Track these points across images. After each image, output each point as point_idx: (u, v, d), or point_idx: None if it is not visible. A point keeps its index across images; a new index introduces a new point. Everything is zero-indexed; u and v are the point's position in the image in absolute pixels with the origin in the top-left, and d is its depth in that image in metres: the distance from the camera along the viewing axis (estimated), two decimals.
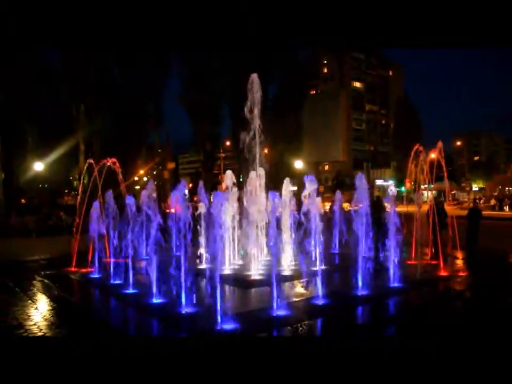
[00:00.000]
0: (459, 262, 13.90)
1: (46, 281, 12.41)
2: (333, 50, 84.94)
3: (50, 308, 9.62)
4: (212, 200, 8.67)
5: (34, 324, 8.16)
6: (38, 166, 35.77)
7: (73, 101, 40.47)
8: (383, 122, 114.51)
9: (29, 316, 8.75)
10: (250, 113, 13.95)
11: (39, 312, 9.09)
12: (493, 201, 53.71)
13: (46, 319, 8.57)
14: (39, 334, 7.59)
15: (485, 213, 20.69)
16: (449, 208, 15.85)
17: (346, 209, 17.30)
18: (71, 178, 48.61)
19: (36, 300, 10.23)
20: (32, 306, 9.55)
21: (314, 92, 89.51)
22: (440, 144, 13.55)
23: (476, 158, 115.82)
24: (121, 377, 5.88)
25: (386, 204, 12.81)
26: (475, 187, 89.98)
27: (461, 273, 12.46)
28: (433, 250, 13.65)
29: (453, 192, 64.68)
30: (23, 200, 40.89)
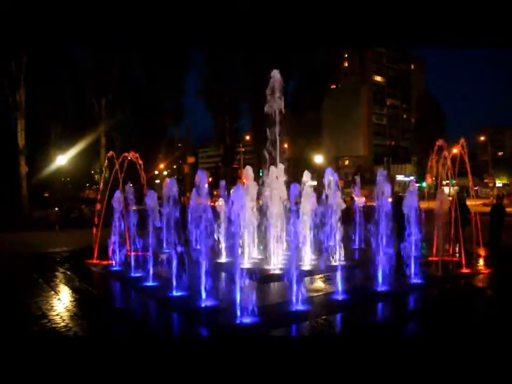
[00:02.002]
0: (481, 259, 13.68)
1: (68, 273, 12.63)
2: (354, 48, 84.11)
3: (72, 299, 9.78)
4: (231, 194, 8.67)
5: (57, 315, 8.31)
6: (61, 160, 36.32)
7: (95, 96, 40.96)
8: (404, 116, 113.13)
9: (52, 307, 8.92)
10: (270, 108, 13.91)
11: (61, 303, 9.25)
12: None
13: (68, 310, 8.72)
14: (62, 324, 7.72)
15: (508, 209, 20.23)
16: (472, 205, 15.57)
17: (361, 204, 17.13)
18: (92, 172, 49.27)
19: (59, 291, 10.43)
20: (55, 297, 9.73)
21: (334, 86, 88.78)
22: (462, 140, 13.33)
23: (499, 153, 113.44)
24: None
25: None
26: (499, 183, 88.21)
27: (483, 270, 12.27)
28: (455, 246, 13.46)
29: (475, 188, 63.55)
30: (46, 194, 41.59)
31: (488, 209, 18.20)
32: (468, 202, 15.79)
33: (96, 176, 47.99)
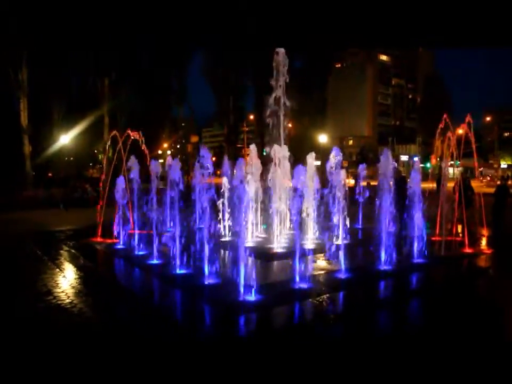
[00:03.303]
0: (484, 240, 13.68)
1: (72, 250, 12.72)
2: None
3: (77, 276, 9.88)
4: (235, 172, 8.67)
5: (63, 291, 8.41)
6: (64, 140, 36.31)
7: (98, 76, 40.72)
8: (410, 96, 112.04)
9: (57, 284, 9.01)
10: (275, 87, 13.80)
11: (66, 280, 9.35)
12: None
13: (73, 287, 8.82)
14: (67, 301, 7.82)
15: None
16: (476, 185, 15.50)
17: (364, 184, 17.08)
18: (96, 151, 49.29)
19: (63, 268, 10.52)
20: (60, 274, 9.83)
21: (339, 65, 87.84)
22: (469, 117, 13.11)
23: (505, 134, 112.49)
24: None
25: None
26: (503, 164, 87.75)
27: (486, 251, 12.29)
28: (458, 227, 13.45)
29: (480, 169, 63.33)
30: (50, 174, 41.71)
31: (492, 190, 18.14)
32: (473, 184, 15.74)
33: (100, 155, 48.04)
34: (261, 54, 35.98)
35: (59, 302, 7.78)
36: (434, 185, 16.39)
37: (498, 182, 18.19)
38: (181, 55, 46.83)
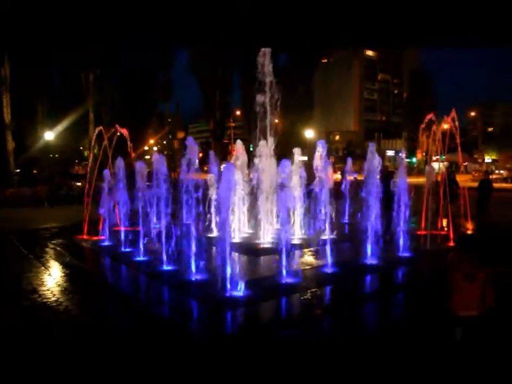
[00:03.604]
0: (469, 233, 13.84)
1: (58, 248, 12.60)
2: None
3: (62, 274, 9.80)
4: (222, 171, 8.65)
5: (48, 290, 8.33)
6: (49, 136, 35.85)
7: (83, 71, 40.22)
8: (396, 92, 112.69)
9: (43, 282, 8.93)
10: (260, 82, 13.76)
11: (52, 278, 9.27)
12: (505, 173, 53.15)
13: (59, 285, 8.74)
14: (53, 299, 7.75)
15: (497, 185, 20.44)
16: (461, 180, 15.69)
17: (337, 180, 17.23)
18: (81, 148, 48.78)
19: (49, 266, 10.42)
20: (45, 273, 9.73)
21: (326, 60, 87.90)
22: (453, 112, 13.25)
23: (489, 129, 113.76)
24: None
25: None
26: (488, 159, 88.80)
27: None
28: (443, 221, 13.59)
29: (465, 164, 63.98)
30: (34, 171, 41.19)
31: (476, 184, 18.36)
32: (458, 178, 15.92)
33: (85, 152, 47.57)
34: (247, 49, 35.94)
35: (44, 300, 7.70)
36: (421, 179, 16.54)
37: (482, 177, 18.43)
38: (167, 50, 46.46)
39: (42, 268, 10.20)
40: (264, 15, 37.54)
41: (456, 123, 13.36)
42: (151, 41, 43.04)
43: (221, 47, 42.70)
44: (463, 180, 15.40)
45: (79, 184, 29.10)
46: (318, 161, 9.67)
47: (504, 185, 38.68)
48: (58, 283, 8.91)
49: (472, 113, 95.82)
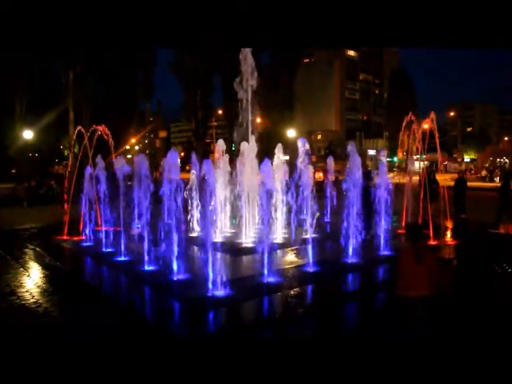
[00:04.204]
0: (449, 232, 14.05)
1: (37, 249, 12.41)
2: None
3: (42, 275, 9.66)
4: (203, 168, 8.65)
5: (27, 291, 8.21)
6: (27, 135, 35.26)
7: (62, 69, 39.64)
8: (377, 92, 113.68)
9: (21, 283, 8.79)
10: (242, 81, 13.76)
11: (31, 280, 9.13)
12: (483, 172, 54.06)
13: (38, 286, 8.62)
14: (32, 300, 7.64)
15: (475, 184, 20.78)
16: (441, 179, 15.93)
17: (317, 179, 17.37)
18: (61, 147, 48.12)
19: (28, 267, 10.26)
20: (24, 274, 9.58)
21: (307, 60, 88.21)
22: (432, 114, 13.48)
23: (468, 129, 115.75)
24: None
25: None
26: (467, 158, 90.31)
27: (450, 242, 12.64)
28: (423, 219, 13.77)
29: (444, 163, 64.85)
30: (13, 170, 40.50)
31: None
32: (438, 177, 16.16)
33: (65, 151, 46.94)
34: (229, 48, 35.83)
35: (23, 302, 7.59)
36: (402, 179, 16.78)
37: (457, 176, 18.79)
38: (147, 49, 46.08)
39: (21, 269, 10.05)
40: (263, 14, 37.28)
41: (435, 125, 13.56)
42: (132, 38, 42.59)
43: (210, 46, 42.40)
44: (443, 179, 15.61)
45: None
46: (300, 160, 9.68)
47: (482, 184, 39.33)
48: (37, 284, 8.78)
49: (451, 113, 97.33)
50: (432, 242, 12.25)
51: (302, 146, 9.69)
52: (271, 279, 8.44)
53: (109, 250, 11.47)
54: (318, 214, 10.33)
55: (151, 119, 58.43)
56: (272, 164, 12.21)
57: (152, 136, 62.16)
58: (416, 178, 14.70)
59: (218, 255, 8.18)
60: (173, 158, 9.11)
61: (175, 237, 8.69)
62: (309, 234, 9.73)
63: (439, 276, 5.75)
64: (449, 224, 14.32)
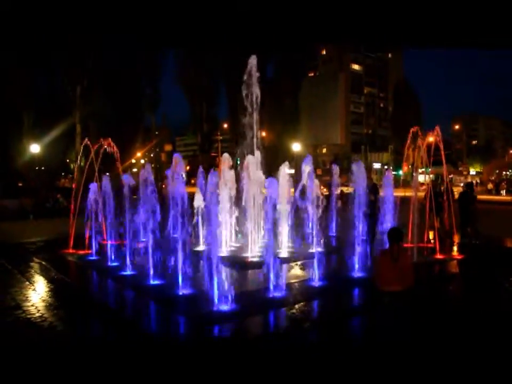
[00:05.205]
0: (455, 246, 13.95)
1: (43, 263, 12.42)
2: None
3: (47, 289, 9.66)
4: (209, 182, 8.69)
5: (32, 305, 8.21)
6: (35, 148, 35.53)
7: (70, 83, 40.08)
8: (382, 105, 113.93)
9: (27, 297, 8.79)
10: (247, 95, 13.86)
11: (36, 293, 9.14)
12: (490, 186, 53.84)
13: (43, 300, 8.62)
14: (37, 314, 7.64)
15: (481, 197, 20.66)
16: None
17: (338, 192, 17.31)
18: (67, 160, 48.42)
19: (34, 281, 10.27)
20: (29, 288, 9.59)
21: (312, 74, 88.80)
22: (437, 128, 13.51)
23: (473, 142, 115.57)
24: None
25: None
26: (472, 171, 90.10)
27: (457, 257, 12.54)
28: (430, 233, 13.70)
29: (450, 176, 64.75)
30: (20, 183, 40.72)
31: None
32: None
33: (71, 165, 47.22)
34: (234, 61, 36.08)
35: (28, 316, 7.59)
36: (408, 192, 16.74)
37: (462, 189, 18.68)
38: (154, 62, 46.57)
39: (27, 282, 10.06)
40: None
41: (440, 137, 13.56)
42: (139, 51, 42.96)
43: (215, 50, 42.57)
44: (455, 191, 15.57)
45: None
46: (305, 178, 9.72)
47: (488, 197, 39.16)
48: (43, 298, 8.78)
49: (456, 126, 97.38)
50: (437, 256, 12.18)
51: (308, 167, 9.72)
52: (276, 294, 8.40)
53: (114, 264, 11.47)
54: (323, 228, 10.33)
55: (156, 132, 58.82)
56: (277, 179, 12.26)
57: (157, 149, 62.51)
58: (423, 191, 14.62)
59: (224, 269, 8.16)
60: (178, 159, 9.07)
61: (180, 251, 8.69)
62: (315, 248, 9.70)
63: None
64: (455, 239, 14.24)
